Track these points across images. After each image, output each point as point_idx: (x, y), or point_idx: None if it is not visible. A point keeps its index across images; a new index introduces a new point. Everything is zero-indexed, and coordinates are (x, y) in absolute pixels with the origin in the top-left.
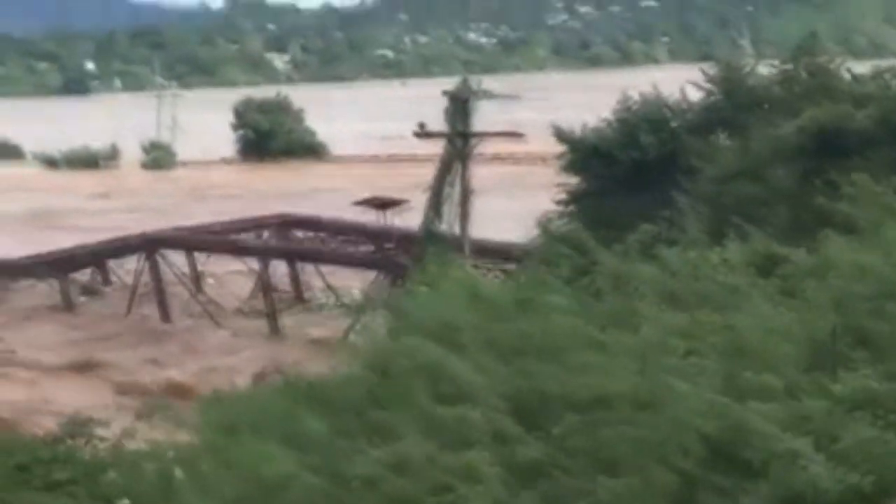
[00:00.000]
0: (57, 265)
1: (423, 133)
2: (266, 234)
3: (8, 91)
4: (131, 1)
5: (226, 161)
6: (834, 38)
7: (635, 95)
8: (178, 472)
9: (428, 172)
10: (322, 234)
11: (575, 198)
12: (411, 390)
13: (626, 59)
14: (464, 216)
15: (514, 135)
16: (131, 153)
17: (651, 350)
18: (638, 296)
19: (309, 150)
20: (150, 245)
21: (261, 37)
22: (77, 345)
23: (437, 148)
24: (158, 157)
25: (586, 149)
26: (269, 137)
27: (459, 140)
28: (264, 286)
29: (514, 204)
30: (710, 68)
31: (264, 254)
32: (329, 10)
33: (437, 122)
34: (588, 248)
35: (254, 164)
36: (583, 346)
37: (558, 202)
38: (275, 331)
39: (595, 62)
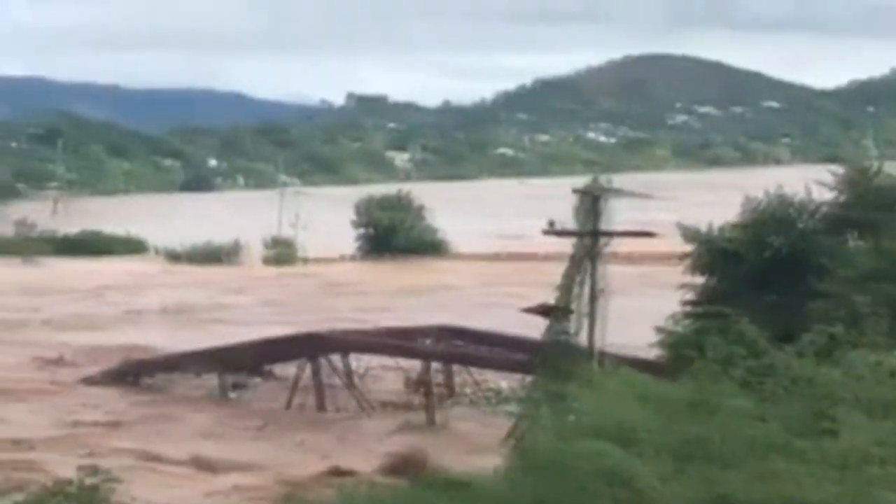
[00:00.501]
0: (223, 361)
1: (552, 231)
2: (428, 341)
3: (135, 187)
4: (255, 98)
5: (346, 258)
6: None
7: (759, 195)
8: None
9: (550, 271)
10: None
11: (703, 298)
12: (591, 496)
13: (746, 158)
14: (592, 316)
15: (646, 234)
16: (253, 249)
17: (853, 458)
18: (825, 400)
19: (430, 247)
20: (315, 345)
21: (382, 135)
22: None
23: (558, 246)
24: (281, 253)
25: (713, 249)
26: (390, 234)
27: (589, 238)
28: (425, 383)
29: (646, 303)
30: (838, 168)
31: (427, 357)
32: (449, 108)
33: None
34: (759, 348)
35: (376, 261)
36: (768, 452)
37: (685, 303)
38: (431, 422)
39: (715, 162)
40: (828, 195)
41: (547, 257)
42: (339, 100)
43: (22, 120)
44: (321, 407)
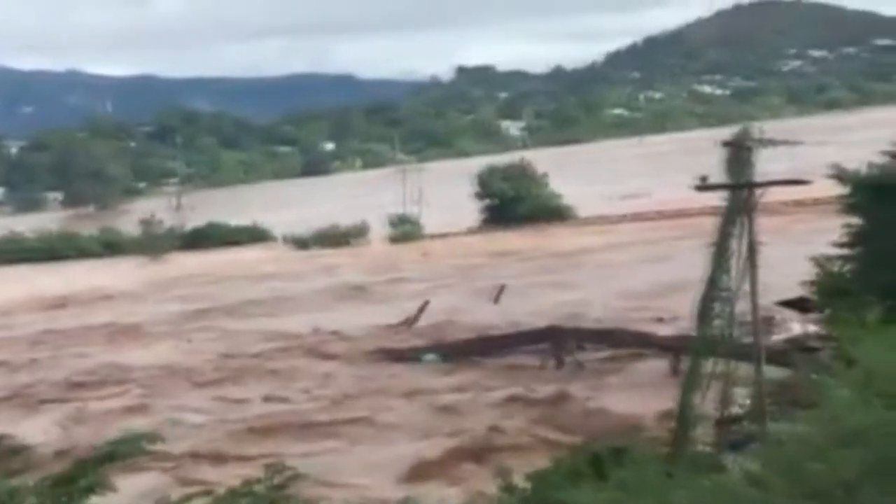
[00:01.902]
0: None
1: (704, 186)
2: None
3: (251, 177)
4: (362, 79)
5: (472, 230)
6: None
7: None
8: None
9: (676, 228)
10: None
11: (857, 239)
12: None
13: (864, 99)
14: (753, 270)
15: (801, 182)
16: (377, 229)
17: None
18: None
19: (554, 213)
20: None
21: (492, 105)
22: None
23: (680, 203)
24: (406, 230)
25: (867, 187)
26: (513, 204)
27: (743, 191)
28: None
29: (799, 249)
30: None
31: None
32: (559, 73)
33: (677, 176)
34: None
35: (503, 231)
36: None
37: (840, 244)
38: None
39: (832, 105)
40: None
41: (675, 215)
42: (447, 74)
43: (134, 119)
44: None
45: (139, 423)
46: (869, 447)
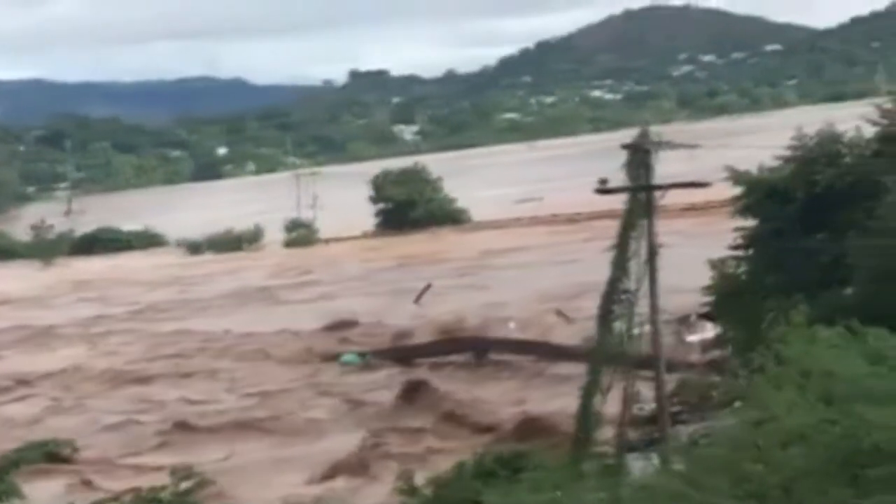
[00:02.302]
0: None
1: (604, 189)
2: None
3: (144, 182)
4: (256, 84)
5: (367, 234)
6: None
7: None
8: None
9: (573, 232)
10: None
11: (749, 241)
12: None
13: (754, 104)
14: (652, 271)
15: (699, 185)
16: (271, 234)
17: None
18: None
19: (449, 217)
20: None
21: (386, 109)
22: None
23: (574, 207)
24: (301, 235)
25: (761, 189)
26: (408, 208)
27: (643, 194)
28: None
29: (697, 252)
30: (887, 102)
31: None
32: (452, 77)
33: (570, 180)
34: None
35: (399, 235)
36: None
37: (734, 247)
38: None
39: (722, 110)
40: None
41: (569, 220)
42: (340, 78)
43: (25, 123)
44: None
45: (52, 427)
46: (809, 447)
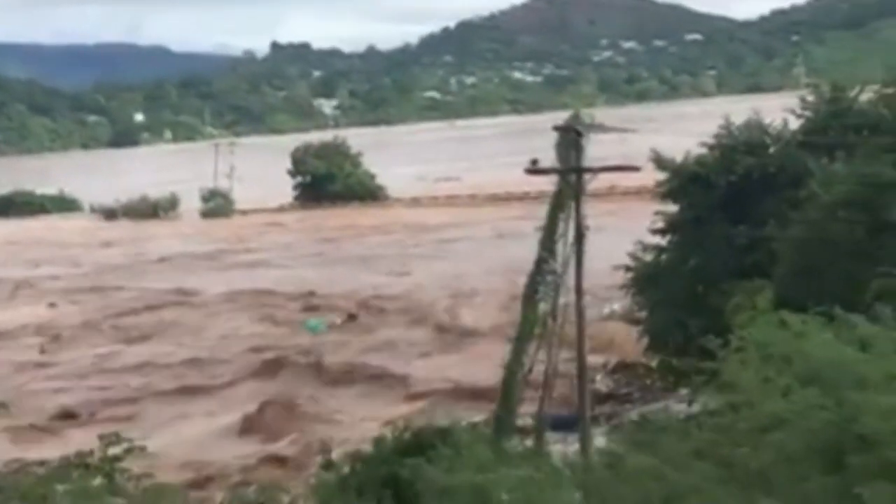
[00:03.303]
0: None
1: (534, 169)
2: None
3: (59, 145)
4: (177, 52)
5: (284, 207)
6: (883, 64)
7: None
8: None
9: (493, 212)
10: None
11: (672, 226)
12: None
13: (673, 91)
14: (579, 252)
15: (630, 168)
16: (188, 202)
17: None
18: None
19: (367, 193)
20: None
21: (307, 83)
22: None
23: (492, 188)
24: (217, 205)
25: (684, 174)
26: (326, 181)
27: (572, 176)
28: None
29: (623, 238)
30: (811, 93)
31: None
32: (373, 53)
33: (485, 162)
34: None
35: (317, 209)
36: None
37: (654, 231)
38: None
39: (643, 96)
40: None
41: (490, 200)
42: (262, 49)
43: None
44: None
45: None
46: (788, 432)
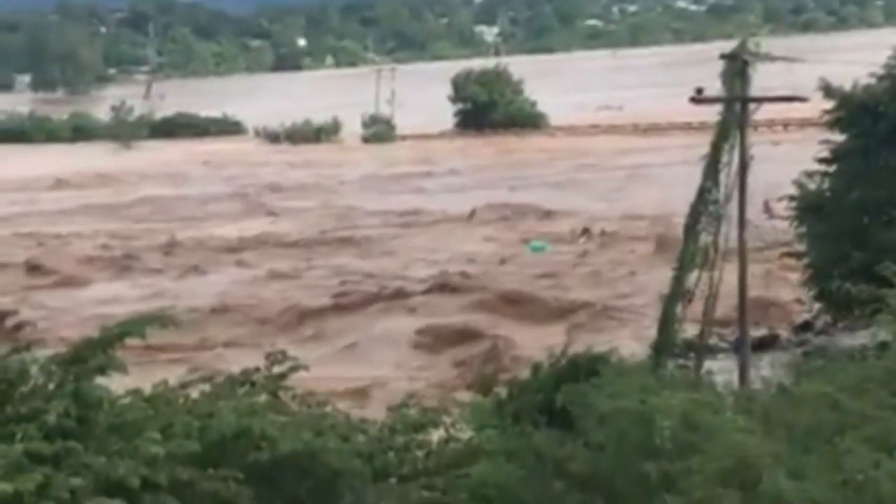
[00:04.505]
0: None
1: (700, 98)
2: None
3: (223, 69)
4: None
5: (444, 134)
6: None
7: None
8: None
9: (650, 141)
10: None
11: (838, 156)
12: None
13: (840, 23)
14: (742, 185)
15: (797, 99)
16: (350, 128)
17: None
18: None
19: (528, 121)
20: None
21: (469, 10)
22: None
23: (655, 117)
24: (379, 131)
25: (851, 104)
26: (487, 109)
27: (738, 106)
28: None
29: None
30: None
31: None
32: None
33: (647, 91)
34: None
35: (479, 137)
36: None
37: (820, 160)
38: None
39: (808, 27)
40: None
41: (651, 128)
42: None
43: (108, 5)
44: None
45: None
46: None
